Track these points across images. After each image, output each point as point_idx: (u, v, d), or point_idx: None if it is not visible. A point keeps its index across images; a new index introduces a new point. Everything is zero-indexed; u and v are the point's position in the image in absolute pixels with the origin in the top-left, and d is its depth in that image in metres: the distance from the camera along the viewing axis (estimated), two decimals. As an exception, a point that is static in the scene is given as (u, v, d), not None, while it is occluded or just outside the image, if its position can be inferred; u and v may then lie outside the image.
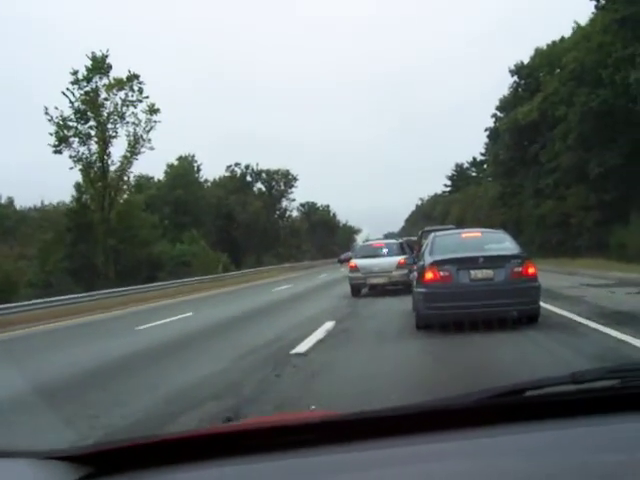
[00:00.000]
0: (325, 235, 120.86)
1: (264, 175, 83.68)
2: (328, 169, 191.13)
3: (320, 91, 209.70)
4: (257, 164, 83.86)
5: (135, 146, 36.28)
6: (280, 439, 1.38)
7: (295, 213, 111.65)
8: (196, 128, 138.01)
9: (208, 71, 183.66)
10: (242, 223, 69.47)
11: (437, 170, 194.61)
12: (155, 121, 36.86)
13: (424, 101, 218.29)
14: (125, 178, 38.80)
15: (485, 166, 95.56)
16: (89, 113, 34.58)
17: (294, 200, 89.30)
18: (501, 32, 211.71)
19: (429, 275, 9.80)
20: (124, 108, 35.71)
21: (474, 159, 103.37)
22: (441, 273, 9.69)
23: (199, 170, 72.27)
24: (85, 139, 34.91)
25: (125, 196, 42.37)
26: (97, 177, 35.87)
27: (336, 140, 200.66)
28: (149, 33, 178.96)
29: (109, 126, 35.06)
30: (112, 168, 36.66)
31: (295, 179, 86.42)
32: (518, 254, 10.12)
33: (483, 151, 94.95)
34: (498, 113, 62.21)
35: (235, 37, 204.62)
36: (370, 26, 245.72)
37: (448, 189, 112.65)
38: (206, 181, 75.38)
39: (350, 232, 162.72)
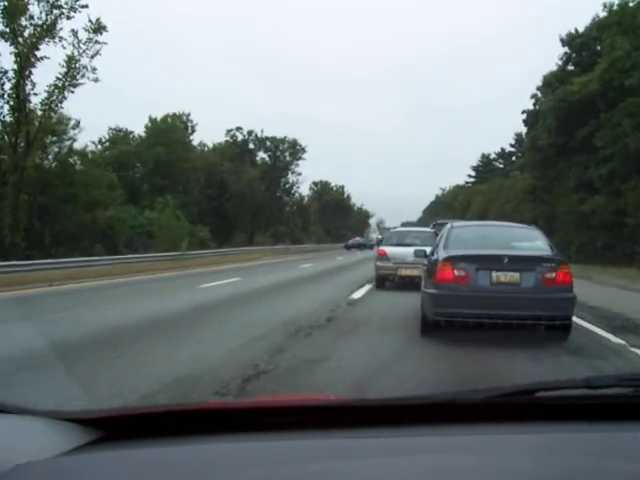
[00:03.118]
0: (337, 218, 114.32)
1: (268, 143, 74.79)
2: (348, 153, 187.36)
3: (347, 76, 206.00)
4: (262, 130, 75.37)
5: (70, 73, 27.63)
6: (288, 419, 1.40)
7: (306, 191, 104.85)
8: (222, 103, 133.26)
9: (247, 50, 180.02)
10: (235, 194, 60.90)
11: (461, 161, 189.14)
12: (100, 42, 28.04)
13: (453, 91, 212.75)
14: (54, 115, 29.99)
15: (514, 158, 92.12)
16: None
17: (300, 174, 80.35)
18: (536, 23, 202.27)
19: (441, 273, 8.33)
20: (52, 17, 26.87)
21: (502, 150, 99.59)
22: (456, 272, 8.20)
23: (193, 131, 64.10)
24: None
25: (67, 143, 34.09)
26: (13, 108, 27.27)
27: (359, 125, 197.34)
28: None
29: (30, 40, 26.23)
30: (35, 100, 27.93)
31: (303, 150, 77.57)
32: (552, 256, 8.63)
33: (512, 142, 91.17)
34: (539, 94, 54.41)
35: (271, 17, 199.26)
36: (402, 16, 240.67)
37: (472, 180, 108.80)
38: (203, 145, 67.15)
39: (365, 217, 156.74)
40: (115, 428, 1.39)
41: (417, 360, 7.44)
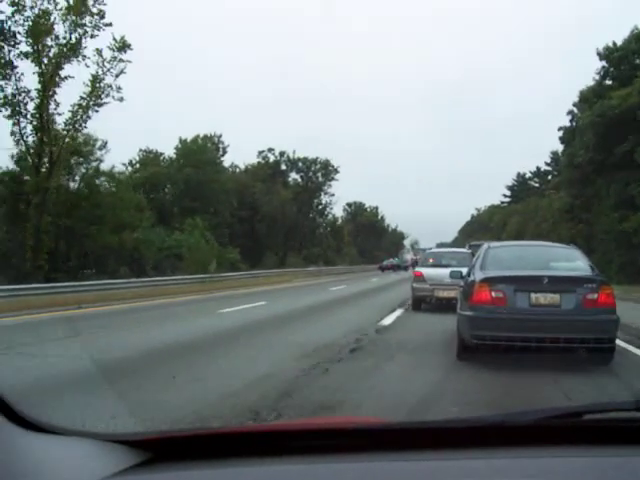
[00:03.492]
0: (370, 239, 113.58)
1: (300, 164, 74.09)
2: (382, 174, 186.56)
3: (379, 97, 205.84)
4: (294, 151, 74.70)
5: (95, 93, 27.11)
6: (331, 441, 1.40)
7: (340, 212, 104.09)
8: (254, 125, 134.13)
9: (279, 73, 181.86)
10: (267, 215, 60.24)
11: (496, 180, 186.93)
12: (124, 61, 27.48)
13: (486, 109, 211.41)
14: (79, 136, 29.51)
15: (549, 177, 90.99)
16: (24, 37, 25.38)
17: (333, 195, 79.27)
18: (567, 39, 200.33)
19: (478, 295, 8.10)
20: (77, 35, 26.39)
21: (538, 169, 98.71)
22: (493, 293, 7.99)
23: (224, 152, 63.74)
24: (10, 69, 25.62)
25: (94, 164, 33.63)
26: (36, 128, 26.82)
27: (393, 146, 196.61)
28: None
29: (55, 60, 25.67)
30: (59, 120, 27.40)
31: (336, 170, 76.44)
32: (593, 277, 8.40)
33: (548, 160, 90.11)
34: (575, 110, 53.27)
35: (304, 44, 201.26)
36: (433, 32, 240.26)
37: (507, 200, 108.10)
38: (234, 166, 66.77)
39: (399, 238, 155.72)
40: (163, 450, 1.40)
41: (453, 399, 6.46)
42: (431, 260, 18.73)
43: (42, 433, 1.46)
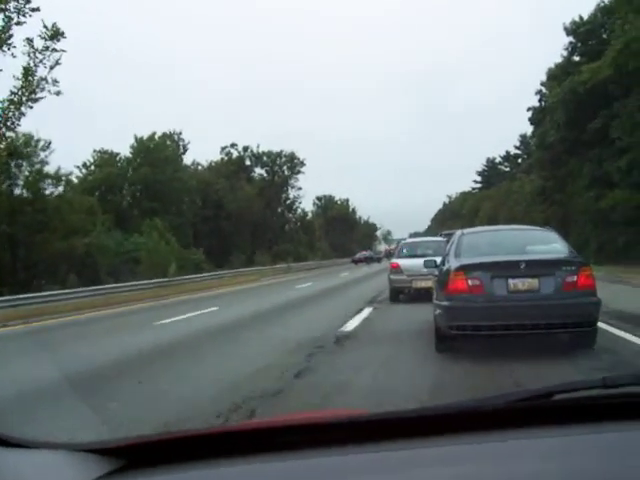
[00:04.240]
0: (343, 232, 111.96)
1: (265, 158, 71.82)
2: (351, 167, 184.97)
3: (346, 89, 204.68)
4: (258, 145, 72.46)
5: (28, 86, 24.50)
6: (305, 437, 1.40)
7: (310, 207, 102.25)
8: (217, 122, 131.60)
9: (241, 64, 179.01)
10: (232, 213, 57.99)
11: (467, 167, 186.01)
12: (58, 50, 24.85)
13: (455, 98, 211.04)
14: (11, 134, 26.89)
15: (519, 160, 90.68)
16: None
17: (301, 189, 77.24)
18: (536, 28, 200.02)
19: (454, 284, 7.81)
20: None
21: (507, 153, 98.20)
22: (470, 282, 7.70)
23: (185, 150, 61.39)
24: None
25: (38, 166, 31.09)
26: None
27: (361, 138, 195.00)
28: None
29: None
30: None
31: (302, 163, 74.48)
32: (572, 259, 8.19)
33: (517, 144, 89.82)
34: (544, 89, 52.13)
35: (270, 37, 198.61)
36: (401, 24, 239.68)
37: (478, 185, 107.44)
38: (196, 164, 64.41)
39: (372, 230, 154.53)
40: (134, 457, 1.37)
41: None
42: (406, 251, 18.49)
43: (11, 448, 1.44)
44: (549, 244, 8.82)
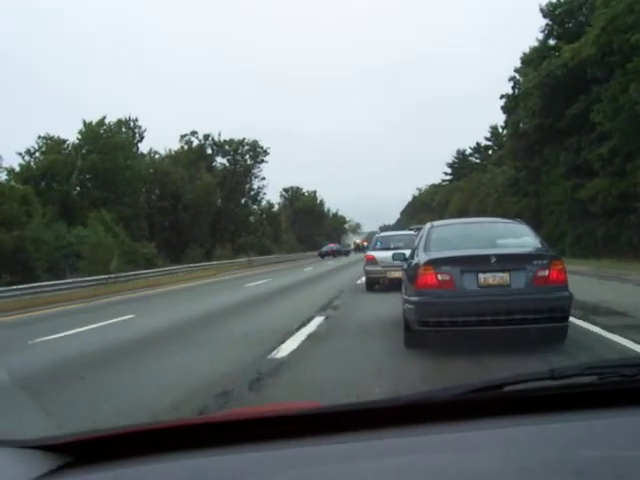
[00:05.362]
0: (310, 225, 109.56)
1: (227, 147, 68.31)
2: (320, 160, 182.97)
3: (315, 82, 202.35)
4: (219, 133, 68.85)
5: None
6: (263, 430, 1.41)
7: (277, 199, 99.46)
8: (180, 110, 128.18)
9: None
10: (190, 204, 54.63)
11: (437, 160, 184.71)
12: None
13: (424, 91, 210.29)
14: None
15: (490, 152, 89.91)
16: None
17: (264, 179, 73.88)
18: (506, 26, 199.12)
19: (424, 278, 7.75)
20: None
21: (478, 144, 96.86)
22: (439, 276, 7.67)
23: (142, 138, 57.90)
24: None
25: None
26: None
27: (332, 130, 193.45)
28: None
29: None
30: None
31: (265, 152, 70.96)
32: (543, 252, 8.11)
33: (488, 135, 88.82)
34: (517, 76, 50.07)
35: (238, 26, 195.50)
36: (368, 17, 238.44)
37: (448, 178, 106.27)
38: (153, 152, 60.89)
39: (340, 222, 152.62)
40: (84, 452, 1.35)
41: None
42: (380, 243, 19.54)
43: None
44: (520, 237, 8.75)
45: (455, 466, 1.23)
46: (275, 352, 8.14)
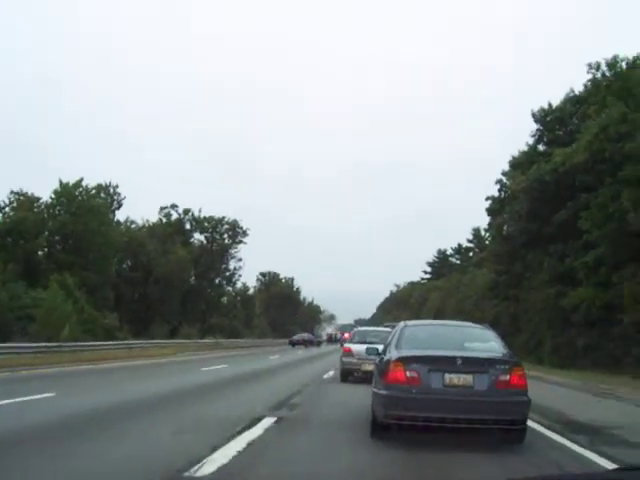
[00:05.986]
0: (285, 311, 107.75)
1: (206, 224, 67.02)
2: (299, 250, 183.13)
3: (300, 174, 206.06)
4: (200, 209, 67.74)
5: None
6: None
7: (253, 282, 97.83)
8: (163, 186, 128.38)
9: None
10: (161, 278, 52.72)
11: (417, 257, 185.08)
12: None
13: (408, 187, 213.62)
14: None
15: (471, 254, 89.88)
16: None
17: (241, 259, 72.26)
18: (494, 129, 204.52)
19: (393, 374, 8.16)
20: None
21: (459, 245, 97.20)
22: (408, 373, 8.06)
23: (120, 206, 56.53)
24: None
25: None
26: None
27: (313, 221, 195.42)
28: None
29: None
30: None
31: (244, 233, 69.82)
32: (506, 358, 8.63)
33: (470, 237, 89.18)
34: (504, 179, 49.93)
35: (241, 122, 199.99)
36: (357, 116, 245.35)
37: (427, 276, 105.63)
38: (130, 222, 59.37)
39: (315, 312, 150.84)
40: None
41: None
42: (358, 337, 20.50)
43: None
44: (486, 342, 9.18)
45: None
46: (198, 466, 6.25)
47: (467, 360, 8.18)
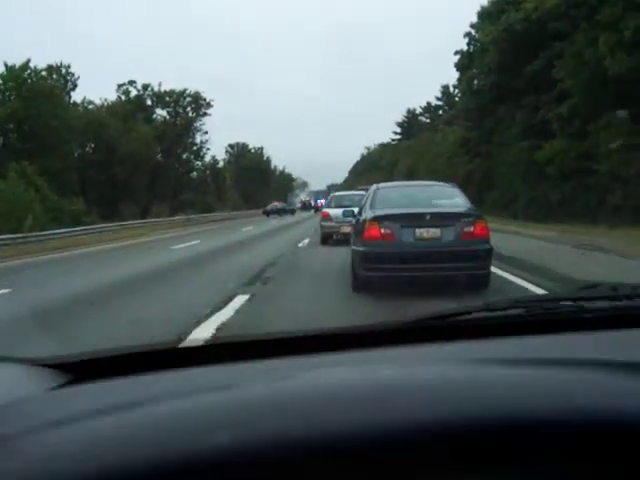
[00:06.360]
0: (256, 182, 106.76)
1: (167, 98, 64.59)
2: (268, 117, 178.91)
3: (267, 37, 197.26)
4: (160, 84, 65.06)
5: None
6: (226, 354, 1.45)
7: (222, 155, 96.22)
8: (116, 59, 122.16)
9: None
10: (125, 158, 51.19)
11: (386, 119, 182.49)
12: None
13: (375, 48, 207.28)
14: None
15: (441, 112, 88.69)
16: None
17: (207, 132, 70.30)
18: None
19: (369, 232, 9.10)
20: None
21: (428, 104, 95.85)
22: (382, 230, 9.03)
23: (74, 86, 53.97)
24: None
25: None
26: None
27: (280, 87, 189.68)
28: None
29: None
30: None
31: (208, 104, 67.38)
32: (469, 212, 9.57)
33: (439, 95, 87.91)
34: (473, 32, 48.21)
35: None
36: None
37: (398, 137, 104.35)
38: (87, 102, 56.92)
39: (287, 180, 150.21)
40: (89, 370, 1.39)
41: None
42: (335, 202, 21.33)
43: None
44: (452, 199, 10.06)
45: (401, 377, 1.24)
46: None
47: (435, 215, 9.02)
